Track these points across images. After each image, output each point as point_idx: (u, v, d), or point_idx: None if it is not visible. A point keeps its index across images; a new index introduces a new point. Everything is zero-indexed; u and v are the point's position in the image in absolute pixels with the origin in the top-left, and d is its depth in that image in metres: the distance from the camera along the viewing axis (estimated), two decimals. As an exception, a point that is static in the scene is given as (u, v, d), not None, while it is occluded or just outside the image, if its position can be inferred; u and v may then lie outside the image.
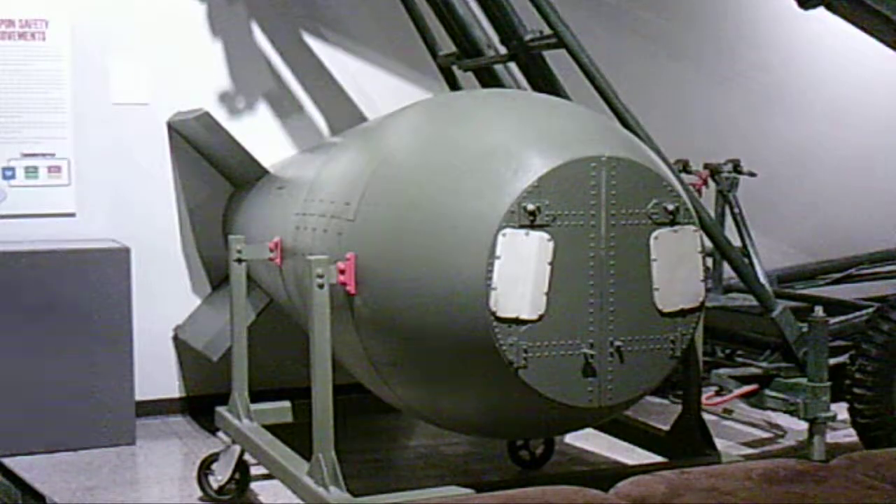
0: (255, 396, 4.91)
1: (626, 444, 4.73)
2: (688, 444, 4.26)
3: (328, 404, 3.86)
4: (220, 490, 4.77)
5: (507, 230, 3.46)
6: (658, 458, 4.38)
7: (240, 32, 6.29)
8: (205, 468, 4.83)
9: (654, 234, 3.67)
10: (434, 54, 5.92)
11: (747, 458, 5.15)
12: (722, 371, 4.89)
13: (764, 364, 4.92)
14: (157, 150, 6.15)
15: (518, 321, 3.48)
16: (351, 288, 3.79)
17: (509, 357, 3.49)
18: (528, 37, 5.11)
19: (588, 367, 3.60)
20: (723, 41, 7.45)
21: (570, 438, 5.54)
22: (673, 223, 3.69)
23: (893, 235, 7.22)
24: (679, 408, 4.35)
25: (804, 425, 4.93)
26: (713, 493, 2.87)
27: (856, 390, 4.84)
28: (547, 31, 4.95)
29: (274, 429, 4.66)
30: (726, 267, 5.71)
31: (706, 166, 6.25)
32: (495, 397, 3.65)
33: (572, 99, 4.83)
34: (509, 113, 3.88)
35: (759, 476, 3.00)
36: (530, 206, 3.47)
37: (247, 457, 4.74)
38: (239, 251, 4.82)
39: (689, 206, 3.77)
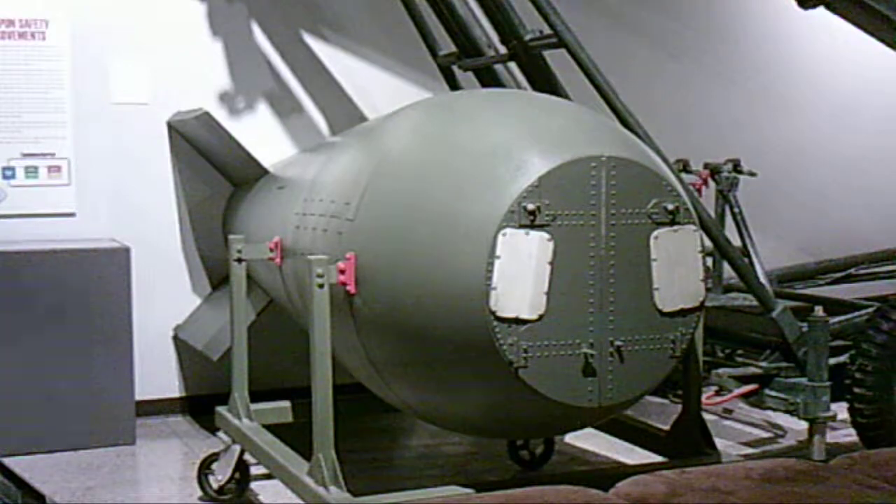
0: (255, 396, 4.91)
1: (626, 444, 4.73)
2: (688, 443, 4.26)
3: (328, 404, 3.86)
4: (220, 490, 4.77)
5: (507, 230, 3.45)
6: (658, 458, 4.38)
7: (240, 32, 6.29)
8: (205, 468, 4.83)
9: (654, 234, 3.67)
10: (434, 54, 5.92)
11: (747, 458, 5.15)
12: (722, 371, 4.89)
13: (764, 364, 4.92)
14: (157, 150, 6.15)
15: (518, 321, 3.48)
16: (351, 288, 3.78)
17: (509, 357, 3.48)
18: (528, 37, 5.11)
19: (588, 367, 3.60)
20: (723, 41, 7.44)
21: (570, 438, 5.53)
22: (673, 223, 3.69)
23: None
24: (679, 408, 4.35)
25: (804, 425, 4.94)
26: (713, 493, 2.87)
27: (856, 390, 4.84)
28: (547, 30, 4.95)
29: (274, 429, 4.66)
30: (726, 267, 5.70)
31: (706, 166, 6.24)
32: (495, 397, 3.65)
33: (572, 99, 4.83)
34: (509, 113, 3.88)
35: (759, 476, 3.00)
36: (530, 206, 3.47)
37: (247, 457, 4.74)
38: (239, 251, 4.82)
39: (689, 206, 3.77)
